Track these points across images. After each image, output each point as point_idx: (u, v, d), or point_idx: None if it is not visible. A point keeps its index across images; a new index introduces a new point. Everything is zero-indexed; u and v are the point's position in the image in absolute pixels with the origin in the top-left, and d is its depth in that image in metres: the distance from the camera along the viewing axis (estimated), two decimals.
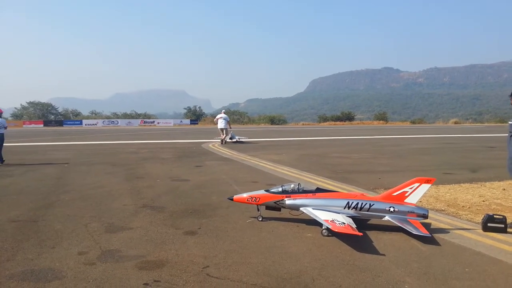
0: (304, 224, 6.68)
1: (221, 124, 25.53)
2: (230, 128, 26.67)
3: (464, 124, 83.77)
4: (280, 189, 6.86)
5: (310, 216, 6.28)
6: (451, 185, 10.25)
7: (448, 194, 9.18)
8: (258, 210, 6.95)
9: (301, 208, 6.53)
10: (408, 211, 6.36)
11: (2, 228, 6.46)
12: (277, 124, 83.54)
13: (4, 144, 15.06)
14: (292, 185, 6.95)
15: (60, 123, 76.43)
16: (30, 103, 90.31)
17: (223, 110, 28.65)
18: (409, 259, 5.17)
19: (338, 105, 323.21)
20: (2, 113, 15.34)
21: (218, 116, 26.30)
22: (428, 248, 5.58)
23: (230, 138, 26.54)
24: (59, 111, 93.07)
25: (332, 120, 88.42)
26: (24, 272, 4.66)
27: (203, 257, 5.18)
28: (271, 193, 6.83)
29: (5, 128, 15.29)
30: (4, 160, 14.93)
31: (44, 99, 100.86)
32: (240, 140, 27.44)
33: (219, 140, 25.99)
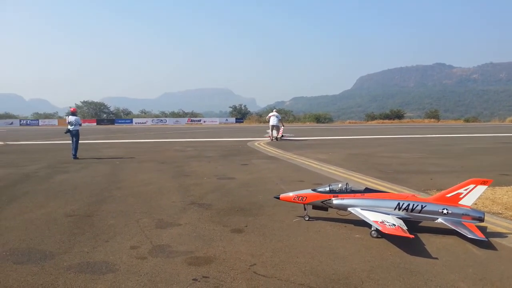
0: (352, 225, 6.56)
1: (273, 121, 26.29)
2: (283, 126, 27.44)
3: None
4: (327, 189, 6.76)
5: (358, 217, 6.15)
6: (508, 187, 9.71)
7: (505, 196, 8.70)
8: (305, 209, 6.89)
9: (349, 208, 6.40)
10: (463, 214, 6.08)
11: (60, 222, 6.80)
12: (323, 122, 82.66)
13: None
14: (339, 185, 6.82)
15: (112, 121, 79.52)
16: (84, 102, 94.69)
17: (275, 109, 30.17)
18: (464, 264, 4.95)
19: (386, 103, 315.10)
20: (76, 111, 17.70)
21: (270, 114, 27.11)
22: (484, 253, 5.32)
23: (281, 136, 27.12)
24: (111, 110, 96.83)
25: (381, 119, 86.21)
26: (81, 264, 4.88)
27: (250, 255, 5.21)
28: (318, 192, 6.75)
29: (80, 125, 17.13)
30: (77, 157, 16.31)
31: (97, 99, 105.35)
32: (284, 137, 27.70)
33: (268, 138, 26.80)
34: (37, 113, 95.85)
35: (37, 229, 6.36)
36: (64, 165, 14.44)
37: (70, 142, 16.65)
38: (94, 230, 6.27)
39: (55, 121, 76.99)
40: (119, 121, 79.75)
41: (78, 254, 5.23)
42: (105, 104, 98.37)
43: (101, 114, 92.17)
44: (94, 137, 32.48)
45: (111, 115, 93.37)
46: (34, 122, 77.88)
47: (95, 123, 75.55)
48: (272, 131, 26.52)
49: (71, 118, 16.75)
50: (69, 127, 16.61)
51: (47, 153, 19.50)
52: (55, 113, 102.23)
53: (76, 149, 16.43)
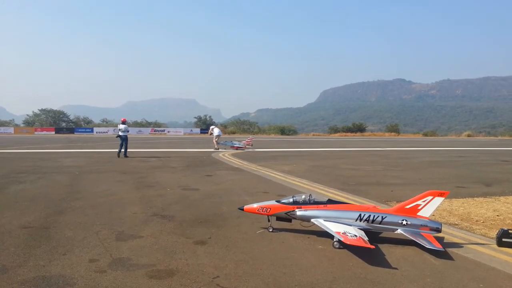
0: (315, 236, 6.62)
1: (219, 131, 29.36)
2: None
3: (477, 137, 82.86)
4: (291, 200, 6.81)
5: (321, 228, 6.22)
6: (464, 199, 10.11)
7: (461, 208, 9.05)
8: (269, 220, 6.90)
9: (312, 220, 6.47)
10: (421, 225, 6.27)
11: (14, 234, 6.50)
12: (288, 134, 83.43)
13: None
14: (303, 196, 6.90)
15: (71, 130, 76.98)
16: (42, 110, 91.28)
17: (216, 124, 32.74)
18: (422, 274, 5.09)
19: (349, 116, 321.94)
20: (125, 121, 22.06)
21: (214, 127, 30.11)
22: (442, 263, 5.50)
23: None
24: (71, 118, 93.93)
25: (343, 131, 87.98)
26: (36, 278, 4.67)
27: (214, 267, 5.15)
28: (282, 203, 6.79)
29: (128, 131, 21.49)
30: (127, 156, 20.84)
31: (56, 107, 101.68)
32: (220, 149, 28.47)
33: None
34: None
35: None
36: (20, 175, 13.85)
37: (119, 145, 20.92)
38: (51, 243, 6.03)
39: (11, 129, 73.72)
40: (79, 130, 77.26)
41: (34, 267, 5.00)
42: (65, 112, 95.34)
43: (60, 123, 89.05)
44: (52, 146, 31.39)
45: (70, 123, 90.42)
46: None
47: (54, 132, 72.96)
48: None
49: (121, 126, 21.22)
50: (119, 133, 20.95)
51: (1, 162, 18.67)
52: (11, 120, 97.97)
53: (126, 149, 20.87)
